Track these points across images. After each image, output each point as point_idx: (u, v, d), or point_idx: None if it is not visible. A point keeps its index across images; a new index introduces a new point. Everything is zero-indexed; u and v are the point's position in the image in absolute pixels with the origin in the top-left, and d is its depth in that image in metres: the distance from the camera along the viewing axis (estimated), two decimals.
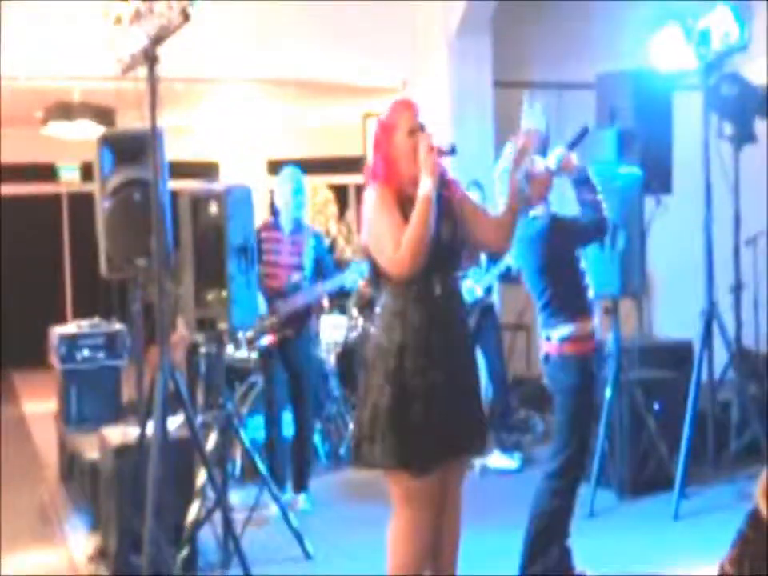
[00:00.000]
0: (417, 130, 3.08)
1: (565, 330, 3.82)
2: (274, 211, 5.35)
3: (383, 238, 3.00)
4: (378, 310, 3.10)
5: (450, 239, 3.08)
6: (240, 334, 5.92)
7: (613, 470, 5.13)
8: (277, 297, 5.10)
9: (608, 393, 5.02)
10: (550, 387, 3.97)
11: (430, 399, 2.96)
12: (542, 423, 6.74)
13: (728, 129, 5.17)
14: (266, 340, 5.13)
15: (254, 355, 5.98)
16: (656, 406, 5.28)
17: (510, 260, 5.73)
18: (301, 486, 5.18)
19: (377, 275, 3.09)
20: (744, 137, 5.13)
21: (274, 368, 5.22)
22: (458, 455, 3.12)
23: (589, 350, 3.86)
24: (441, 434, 2.98)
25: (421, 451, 2.95)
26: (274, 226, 5.22)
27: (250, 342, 5.30)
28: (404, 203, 3.03)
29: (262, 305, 4.96)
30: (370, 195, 3.09)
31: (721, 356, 5.20)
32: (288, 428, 5.32)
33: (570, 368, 3.83)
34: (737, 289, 5.31)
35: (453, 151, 3.09)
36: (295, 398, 5.19)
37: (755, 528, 1.75)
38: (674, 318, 6.54)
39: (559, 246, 3.85)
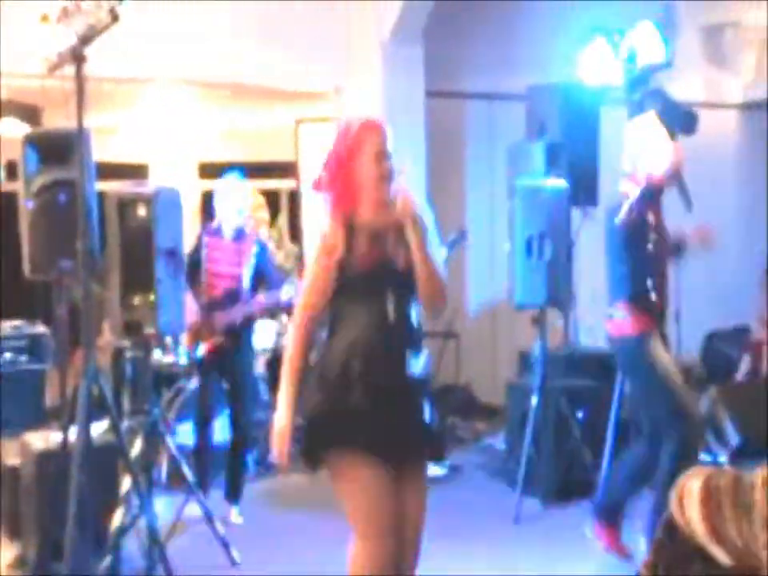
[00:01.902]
0: (383, 155, 2.96)
1: (621, 311, 4.05)
2: (211, 216, 5.25)
3: (304, 284, 3.02)
4: (328, 326, 3.01)
5: (407, 267, 2.98)
6: (168, 339, 5.87)
7: (538, 476, 5.20)
8: (215, 306, 5.01)
9: (534, 401, 5.10)
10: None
11: (369, 401, 2.91)
12: (469, 431, 6.80)
13: None
14: (202, 350, 5.04)
15: (184, 361, 5.92)
16: (580, 414, 5.37)
17: None
18: (234, 497, 5.12)
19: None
20: None
21: (208, 375, 5.14)
22: (403, 460, 2.99)
23: (646, 328, 4.06)
24: (382, 429, 2.91)
25: (363, 433, 2.90)
26: (216, 232, 5.08)
27: (189, 353, 5.16)
28: (353, 232, 2.95)
29: (194, 313, 4.88)
30: (324, 228, 2.98)
31: None
32: (219, 435, 5.27)
33: (628, 345, 4.07)
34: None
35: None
36: (234, 410, 5.10)
37: (669, 534, 1.80)
38: (599, 328, 6.66)
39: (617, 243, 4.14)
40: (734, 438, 5.70)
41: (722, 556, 1.72)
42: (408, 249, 2.96)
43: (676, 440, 3.99)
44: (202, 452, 5.17)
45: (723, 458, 5.66)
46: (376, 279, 2.95)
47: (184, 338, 5.13)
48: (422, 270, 2.95)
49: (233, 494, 5.12)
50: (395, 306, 2.94)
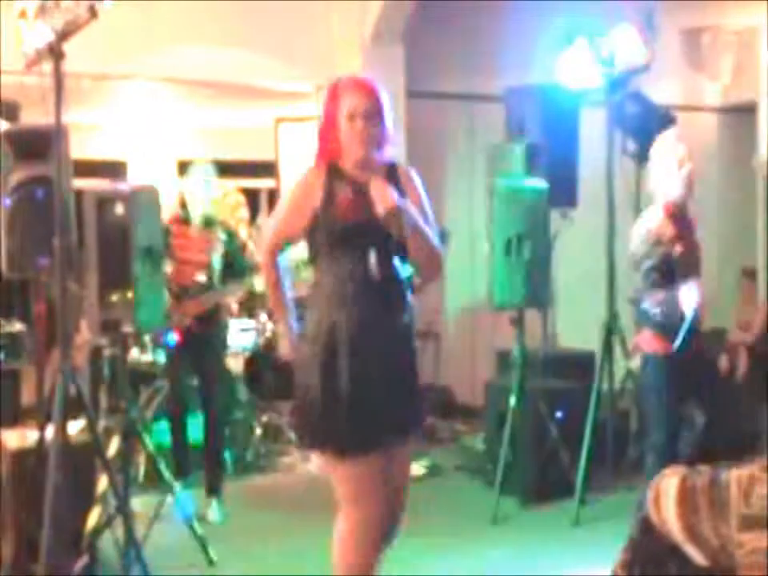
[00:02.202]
0: (359, 116, 2.90)
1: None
2: (184, 204, 5.26)
3: (276, 213, 3.07)
4: (312, 288, 3.00)
5: None
6: (146, 338, 5.85)
7: (516, 477, 5.22)
8: (184, 295, 5.02)
9: (512, 401, 5.11)
10: None
11: (357, 382, 2.85)
12: (448, 431, 6.81)
13: (631, 146, 5.32)
14: (173, 338, 5.03)
15: (161, 358, 5.89)
16: (558, 415, 5.39)
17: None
18: (211, 493, 5.10)
19: (312, 251, 2.98)
20: (646, 154, 5.27)
21: (180, 369, 5.14)
22: (392, 438, 2.95)
23: (659, 350, 4.21)
24: (372, 416, 2.87)
25: (353, 432, 2.86)
26: (183, 220, 5.12)
27: (155, 342, 5.19)
28: (335, 179, 2.94)
29: (167, 302, 4.88)
30: (302, 174, 3.02)
31: (621, 366, 5.34)
32: (195, 432, 5.26)
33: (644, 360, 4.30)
34: (636, 301, 5.44)
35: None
36: (205, 401, 5.11)
37: (646, 534, 1.81)
38: (577, 328, 6.69)
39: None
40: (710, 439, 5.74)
41: (697, 555, 1.73)
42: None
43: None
44: (178, 448, 5.15)
45: None
46: (359, 233, 2.89)
47: None
48: (413, 242, 2.90)
49: (212, 490, 5.10)
50: (378, 261, 2.88)
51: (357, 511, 2.89)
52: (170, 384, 5.24)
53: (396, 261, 2.95)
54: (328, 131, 2.98)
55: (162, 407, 5.57)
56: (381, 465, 2.91)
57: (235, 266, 5.14)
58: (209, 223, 5.13)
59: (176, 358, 5.14)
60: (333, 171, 2.95)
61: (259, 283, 5.23)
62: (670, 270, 4.26)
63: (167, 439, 5.31)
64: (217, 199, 5.37)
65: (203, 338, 5.04)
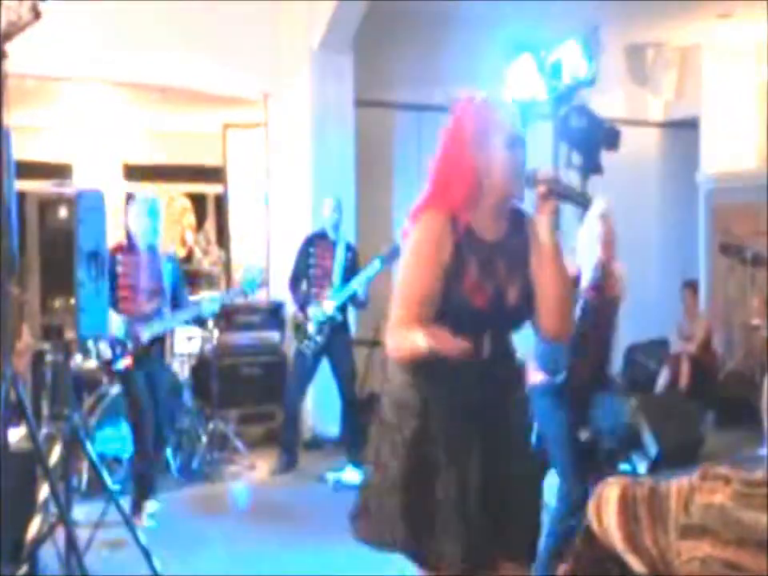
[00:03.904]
0: (517, 144, 2.39)
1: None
2: (129, 234, 5.24)
3: (399, 286, 2.37)
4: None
5: (517, 302, 2.43)
6: (91, 345, 5.80)
7: None
8: (136, 321, 5.00)
9: None
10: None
11: (454, 486, 2.33)
12: None
13: (576, 158, 5.40)
14: (123, 364, 5.02)
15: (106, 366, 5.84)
16: None
17: (356, 285, 5.85)
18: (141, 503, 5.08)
19: None
20: (591, 167, 5.36)
21: (135, 380, 5.10)
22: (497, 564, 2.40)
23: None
24: (474, 533, 2.33)
25: (427, 543, 2.35)
26: (131, 248, 5.10)
27: (108, 365, 5.13)
28: (464, 246, 2.36)
29: (120, 328, 4.88)
30: (420, 223, 2.36)
31: None
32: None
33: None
34: None
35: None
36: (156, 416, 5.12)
37: (587, 544, 1.83)
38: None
39: None
40: (652, 449, 5.83)
41: (636, 564, 1.75)
42: (523, 279, 2.42)
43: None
44: (142, 457, 5.11)
45: (642, 468, 5.79)
46: (482, 317, 2.38)
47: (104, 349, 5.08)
48: (554, 292, 2.42)
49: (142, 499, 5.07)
50: (493, 340, 2.41)
51: None
52: (134, 397, 5.16)
53: (511, 339, 2.50)
54: (458, 166, 2.36)
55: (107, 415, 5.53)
56: None
57: (178, 295, 5.17)
58: (154, 252, 5.13)
59: (130, 377, 5.11)
60: (456, 225, 2.35)
61: (207, 310, 5.23)
62: None
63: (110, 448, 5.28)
64: (162, 224, 5.37)
65: (156, 362, 5.13)
